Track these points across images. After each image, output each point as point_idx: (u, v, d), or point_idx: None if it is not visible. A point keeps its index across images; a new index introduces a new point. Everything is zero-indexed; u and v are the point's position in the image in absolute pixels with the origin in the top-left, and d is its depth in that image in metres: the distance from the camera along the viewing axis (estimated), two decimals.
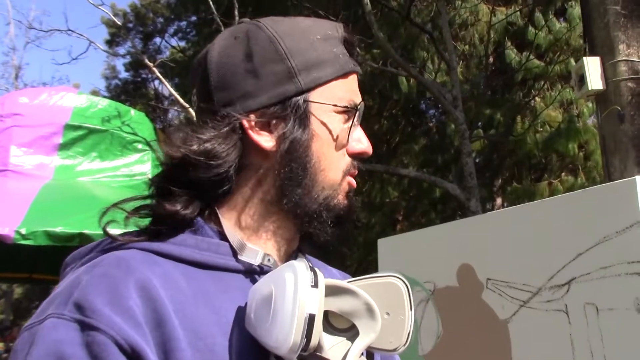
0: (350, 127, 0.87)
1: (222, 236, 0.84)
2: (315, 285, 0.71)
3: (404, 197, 12.47)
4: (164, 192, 0.82)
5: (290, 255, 0.91)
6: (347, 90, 0.88)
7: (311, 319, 0.69)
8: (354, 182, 0.89)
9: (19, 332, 0.74)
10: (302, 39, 0.86)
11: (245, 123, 0.83)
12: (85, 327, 0.67)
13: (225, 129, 0.82)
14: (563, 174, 10.81)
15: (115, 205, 0.84)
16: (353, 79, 0.90)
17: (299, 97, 0.84)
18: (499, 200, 11.56)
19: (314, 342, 0.70)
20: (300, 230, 0.87)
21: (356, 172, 0.89)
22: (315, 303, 0.70)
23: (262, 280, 0.77)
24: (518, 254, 2.05)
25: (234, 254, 0.83)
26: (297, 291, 0.70)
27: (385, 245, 2.80)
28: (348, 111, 0.87)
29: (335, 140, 0.86)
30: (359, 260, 11.80)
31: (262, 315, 0.72)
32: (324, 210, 0.85)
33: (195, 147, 0.80)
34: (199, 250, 0.81)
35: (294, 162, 0.83)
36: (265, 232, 0.86)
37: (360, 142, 0.89)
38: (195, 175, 0.81)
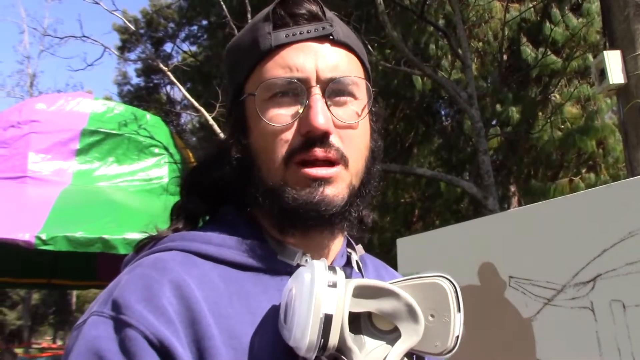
0: (286, 107, 0.80)
1: (262, 237, 0.85)
2: (334, 285, 0.70)
3: (419, 197, 12.42)
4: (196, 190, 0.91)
5: (337, 256, 0.90)
6: (277, 68, 0.81)
7: (327, 319, 0.68)
8: (310, 172, 0.79)
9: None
10: (233, 48, 0.89)
11: None
12: (120, 323, 0.70)
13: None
14: (584, 170, 10.68)
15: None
16: (292, 50, 0.82)
17: (235, 99, 0.86)
18: (515, 199, 11.48)
19: (332, 342, 0.69)
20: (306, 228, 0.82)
21: (315, 154, 0.79)
22: (332, 303, 0.69)
23: (289, 280, 0.76)
24: (541, 251, 2.02)
25: (273, 254, 0.83)
26: (313, 291, 0.69)
27: (405, 245, 2.78)
28: (281, 92, 0.81)
29: (264, 128, 0.81)
30: None
31: (288, 315, 0.73)
32: (280, 209, 0.80)
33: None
34: (239, 251, 0.82)
35: (242, 165, 0.83)
36: (289, 234, 0.85)
37: (306, 119, 0.79)
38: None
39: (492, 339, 2.16)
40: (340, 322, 0.69)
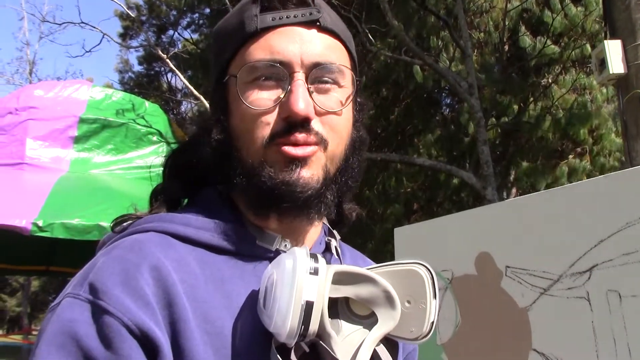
0: (260, 90, 0.80)
1: (241, 221, 0.84)
2: (315, 272, 0.71)
3: (419, 187, 12.42)
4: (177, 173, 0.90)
5: (315, 242, 0.90)
6: (261, 51, 0.81)
7: (309, 306, 0.69)
8: (290, 151, 0.79)
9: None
10: (220, 29, 0.89)
11: None
12: (97, 308, 0.69)
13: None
14: (571, 156, 10.71)
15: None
16: (277, 34, 0.81)
17: (219, 80, 0.86)
18: (514, 189, 11.49)
19: (312, 328, 0.70)
20: (284, 214, 0.82)
21: (295, 138, 0.79)
22: (313, 290, 0.70)
23: (269, 266, 0.76)
24: (537, 241, 2.02)
25: (252, 239, 0.83)
26: (295, 278, 0.70)
27: (402, 235, 2.78)
28: (264, 76, 0.81)
29: (245, 110, 0.81)
30: (374, 251, 11.81)
31: (267, 301, 0.73)
32: (256, 188, 0.80)
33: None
34: (217, 234, 0.81)
35: (222, 146, 0.83)
36: (271, 219, 0.84)
37: (286, 104, 0.79)
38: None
39: (488, 329, 2.16)
40: (320, 309, 0.70)
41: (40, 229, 3.39)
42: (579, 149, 10.73)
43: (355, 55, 0.91)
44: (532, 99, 10.52)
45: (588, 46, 9.34)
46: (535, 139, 10.52)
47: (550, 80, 10.49)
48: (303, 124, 0.79)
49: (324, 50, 0.82)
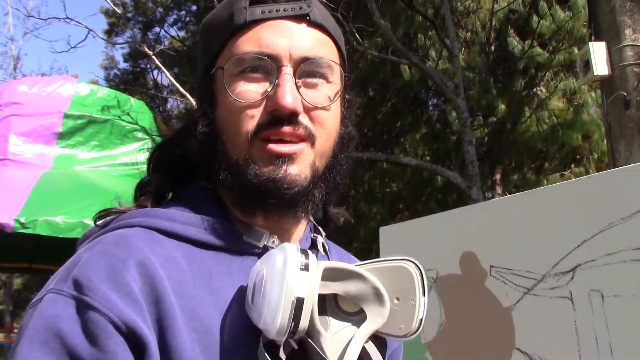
0: (248, 83, 0.79)
1: (228, 217, 0.83)
2: (306, 268, 0.70)
3: (404, 186, 12.44)
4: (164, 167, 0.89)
5: (301, 239, 0.89)
6: (249, 43, 0.80)
7: (299, 302, 0.68)
8: (275, 148, 0.78)
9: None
10: (209, 21, 0.88)
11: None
12: (82, 304, 0.67)
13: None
14: (573, 165, 10.76)
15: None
16: (266, 27, 0.80)
17: (206, 73, 0.85)
18: (499, 189, 11.54)
19: (302, 325, 0.69)
20: (269, 210, 0.80)
21: (282, 132, 0.78)
22: (304, 286, 0.69)
23: (259, 262, 0.75)
24: (522, 241, 2.02)
25: (239, 235, 0.82)
26: (285, 274, 0.69)
27: (387, 234, 2.78)
28: (250, 68, 0.80)
29: (231, 103, 0.79)
30: (360, 250, 11.80)
31: (256, 298, 0.72)
32: (241, 185, 0.78)
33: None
34: (204, 229, 0.80)
35: (207, 139, 0.82)
36: (258, 216, 0.83)
37: (273, 98, 0.77)
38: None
39: (472, 328, 2.17)
40: (311, 305, 0.69)
41: (23, 225, 3.36)
42: (576, 156, 10.78)
43: (344, 52, 0.90)
44: (522, 103, 10.56)
45: (576, 50, 9.40)
46: (521, 141, 10.56)
47: (537, 84, 10.54)
48: (290, 118, 0.77)
49: (313, 45, 0.81)
